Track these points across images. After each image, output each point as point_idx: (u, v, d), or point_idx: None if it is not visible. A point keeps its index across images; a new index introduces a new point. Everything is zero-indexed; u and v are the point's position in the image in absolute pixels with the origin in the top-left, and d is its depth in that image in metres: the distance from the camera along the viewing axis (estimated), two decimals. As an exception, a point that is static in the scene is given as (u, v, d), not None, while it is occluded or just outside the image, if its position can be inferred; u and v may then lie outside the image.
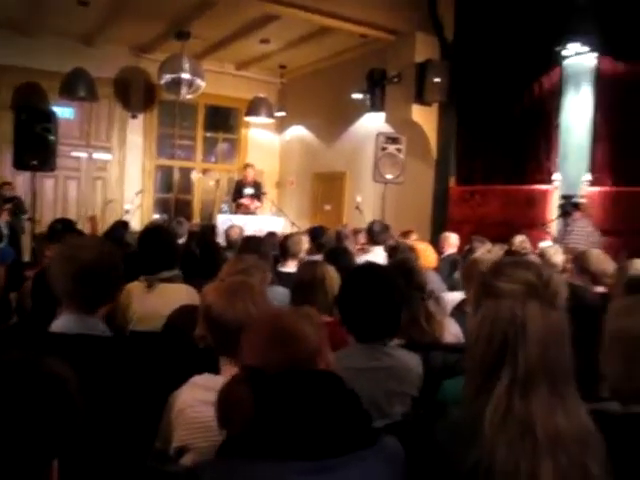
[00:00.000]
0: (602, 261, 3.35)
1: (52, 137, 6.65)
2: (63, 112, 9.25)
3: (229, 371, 1.62)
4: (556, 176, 7.12)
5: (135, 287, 2.91)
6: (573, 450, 1.09)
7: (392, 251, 4.34)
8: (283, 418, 1.11)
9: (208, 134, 11.65)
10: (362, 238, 5.95)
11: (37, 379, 0.89)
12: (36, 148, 6.49)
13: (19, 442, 0.83)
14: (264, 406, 1.13)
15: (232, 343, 1.60)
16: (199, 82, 8.85)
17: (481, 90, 7.79)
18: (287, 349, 1.30)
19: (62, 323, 1.60)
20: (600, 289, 3.18)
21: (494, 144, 7.75)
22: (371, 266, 2.32)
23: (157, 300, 2.83)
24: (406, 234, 5.99)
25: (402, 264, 2.87)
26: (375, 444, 1.17)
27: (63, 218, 5.30)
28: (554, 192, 6.88)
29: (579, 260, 3.39)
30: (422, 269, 3.06)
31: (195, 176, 11.08)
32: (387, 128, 8.52)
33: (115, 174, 10.59)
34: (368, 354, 1.99)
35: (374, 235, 5.40)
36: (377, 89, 8.72)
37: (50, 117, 6.77)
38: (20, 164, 6.58)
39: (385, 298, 1.98)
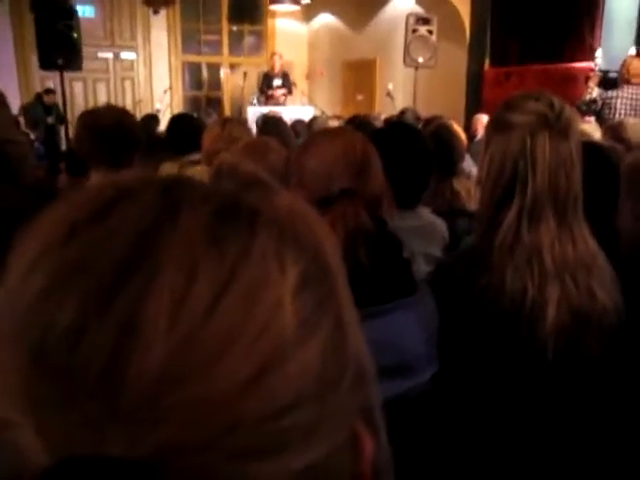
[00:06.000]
0: (638, 130, 3.24)
1: (75, 35, 6.54)
2: (84, 10, 9.05)
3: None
4: (598, 53, 6.75)
5: (168, 167, 2.96)
6: (580, 275, 1.12)
7: (426, 124, 4.12)
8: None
9: (234, 27, 11.29)
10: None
11: None
12: (60, 46, 6.39)
13: None
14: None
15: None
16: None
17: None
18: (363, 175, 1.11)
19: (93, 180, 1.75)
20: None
21: (532, 20, 7.32)
22: (403, 125, 2.23)
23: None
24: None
25: (438, 135, 2.77)
26: (416, 292, 1.16)
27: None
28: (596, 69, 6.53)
29: (613, 129, 3.27)
30: (459, 140, 2.95)
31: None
32: (418, 10, 8.13)
33: (143, 73, 10.49)
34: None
35: None
36: (407, -33, 8.24)
37: (71, 14, 6.62)
38: (46, 63, 6.53)
39: (415, 160, 1.93)
